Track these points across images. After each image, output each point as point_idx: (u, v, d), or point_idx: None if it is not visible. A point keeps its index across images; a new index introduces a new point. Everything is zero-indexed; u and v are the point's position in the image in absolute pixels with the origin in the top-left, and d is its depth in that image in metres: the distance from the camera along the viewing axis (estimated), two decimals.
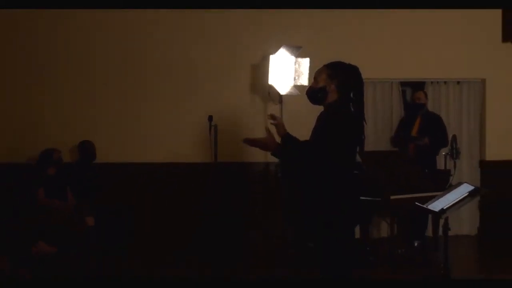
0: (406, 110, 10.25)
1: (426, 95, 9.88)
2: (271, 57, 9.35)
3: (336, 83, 4.86)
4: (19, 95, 9.92)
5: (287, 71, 9.43)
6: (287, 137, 4.77)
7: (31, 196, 8.76)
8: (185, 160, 9.87)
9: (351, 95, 4.90)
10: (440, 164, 9.01)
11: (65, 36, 9.95)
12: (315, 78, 5.01)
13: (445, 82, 10.68)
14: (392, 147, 9.79)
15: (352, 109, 4.89)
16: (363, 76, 4.94)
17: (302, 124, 5.91)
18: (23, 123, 9.82)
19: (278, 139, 4.74)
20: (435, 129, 9.48)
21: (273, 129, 4.79)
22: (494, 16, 10.43)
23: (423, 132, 9.37)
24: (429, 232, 9.34)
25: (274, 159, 9.57)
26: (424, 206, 5.49)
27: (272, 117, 4.88)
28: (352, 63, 4.96)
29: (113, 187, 9.52)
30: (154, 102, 10.03)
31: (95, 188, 9.26)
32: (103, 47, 10.00)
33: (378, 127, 9.97)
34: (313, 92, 4.97)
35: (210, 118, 5.06)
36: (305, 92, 5.16)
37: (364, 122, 4.99)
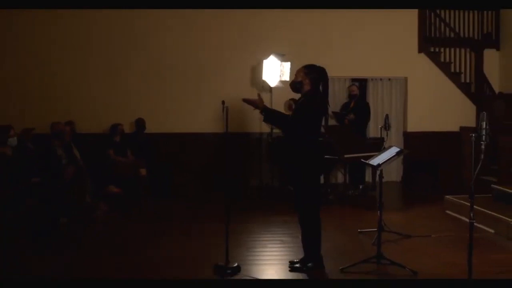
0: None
1: (358, 87, 9.74)
2: (264, 61, 9.37)
3: (309, 78, 4.97)
4: (98, 87, 9.88)
5: (275, 71, 9.48)
6: (268, 108, 5.06)
7: (105, 154, 8.77)
8: (205, 131, 9.93)
9: (320, 87, 4.97)
10: (377, 133, 8.98)
11: (123, 39, 9.93)
12: (295, 75, 5.10)
13: (381, 79, 10.65)
14: (335, 121, 9.75)
15: (320, 96, 4.97)
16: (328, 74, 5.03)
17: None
18: (100, 106, 9.79)
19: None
20: (362, 109, 9.45)
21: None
22: (412, 34, 10.49)
23: (355, 112, 9.31)
24: (369, 178, 9.36)
25: (267, 130, 9.68)
26: (366, 162, 5.49)
27: (259, 96, 5.05)
28: (320, 65, 5.04)
29: (158, 149, 9.55)
30: (185, 91, 10.03)
31: (146, 150, 9.26)
32: (149, 51, 9.97)
33: (337, 109, 9.89)
34: (294, 84, 5.07)
35: (223, 102, 5.01)
36: (288, 85, 5.29)
37: (328, 105, 5.05)
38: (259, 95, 5.08)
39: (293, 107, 5.64)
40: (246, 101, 5.04)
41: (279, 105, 8.85)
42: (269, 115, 5.04)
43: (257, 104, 4.95)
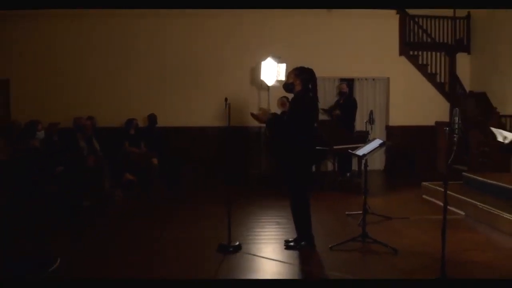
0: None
1: (347, 86, 9.71)
2: (262, 62, 9.33)
3: (300, 79, 4.95)
4: (116, 86, 9.89)
5: (272, 71, 9.41)
6: (271, 118, 5.05)
7: (121, 146, 8.77)
8: (210, 124, 9.92)
9: (310, 86, 4.95)
10: (363, 127, 8.98)
11: (139, 45, 9.93)
12: (287, 77, 5.12)
13: (366, 79, 10.64)
14: (327, 116, 9.73)
15: (311, 95, 4.95)
16: (318, 74, 5.02)
17: None
18: (117, 103, 9.79)
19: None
20: (350, 105, 9.41)
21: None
22: (394, 39, 10.50)
23: (344, 107, 9.27)
24: (356, 167, 9.36)
25: (263, 125, 9.66)
26: (353, 152, 5.49)
27: (262, 109, 5.19)
28: (310, 66, 5.03)
29: (168, 141, 9.51)
30: (192, 90, 10.04)
31: (157, 142, 9.24)
32: (161, 55, 9.98)
33: (330, 106, 9.88)
34: (286, 86, 5.06)
35: (226, 99, 5.01)
36: (282, 86, 5.25)
37: (318, 102, 5.04)
38: (263, 109, 5.22)
39: (287, 105, 5.68)
40: (252, 116, 5.14)
41: (275, 102, 9.01)
42: (271, 125, 5.33)
43: (261, 119, 5.06)
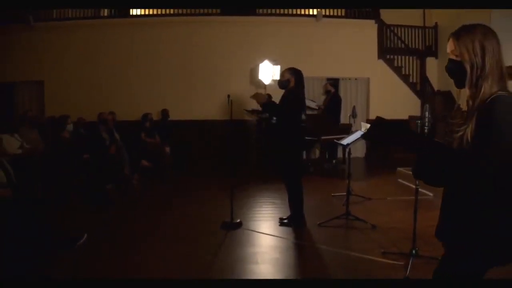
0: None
1: (332, 85, 9.51)
2: (260, 64, 9.35)
3: (294, 78, 4.90)
4: (133, 85, 9.85)
5: (268, 72, 9.39)
6: (268, 101, 5.15)
7: (138, 137, 8.74)
8: (215, 118, 9.87)
9: (301, 84, 4.91)
10: (347, 120, 8.93)
11: (153, 51, 9.87)
12: (282, 75, 5.06)
13: (349, 79, 10.61)
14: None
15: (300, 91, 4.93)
16: (307, 75, 5.07)
17: (276, 98, 5.83)
18: (134, 100, 9.76)
19: None
20: (336, 101, 9.28)
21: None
22: (373, 45, 10.43)
23: (329, 104, 9.12)
24: (341, 155, 9.33)
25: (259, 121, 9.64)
26: (338, 142, 5.44)
27: (257, 93, 5.15)
28: (300, 68, 5.00)
29: (178, 133, 9.46)
30: (199, 88, 10.01)
31: (169, 133, 9.21)
32: (171, 58, 9.93)
33: (320, 103, 9.79)
34: (282, 83, 4.98)
35: (228, 96, 4.96)
36: (277, 83, 5.19)
37: (305, 98, 5.04)
38: (258, 93, 5.19)
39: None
40: (252, 96, 5.06)
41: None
42: (266, 107, 5.25)
43: (260, 98, 5.02)
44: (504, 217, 1.66)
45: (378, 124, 1.74)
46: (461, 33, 1.74)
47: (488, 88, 1.67)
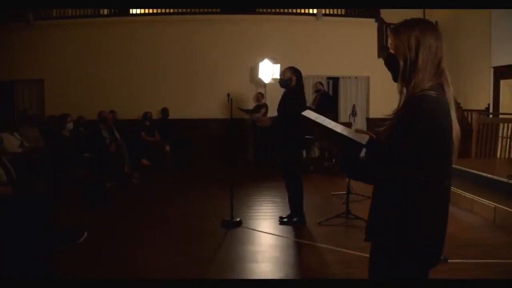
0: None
1: (321, 84, 9.48)
2: (260, 63, 9.37)
3: (295, 77, 4.90)
4: (133, 84, 9.81)
5: (268, 71, 9.41)
6: (272, 122, 5.04)
7: (138, 135, 8.74)
8: (215, 117, 9.85)
9: (301, 83, 4.92)
10: (347, 119, 8.93)
11: (154, 51, 9.86)
12: (283, 73, 5.04)
13: (349, 77, 10.56)
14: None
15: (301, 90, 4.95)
16: (307, 73, 5.06)
17: (276, 97, 5.81)
18: (134, 99, 9.71)
19: None
20: (326, 100, 9.25)
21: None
22: (373, 43, 10.38)
23: (319, 103, 9.04)
24: None
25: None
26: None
27: (260, 119, 5.35)
28: (300, 67, 5.01)
29: (178, 131, 9.45)
30: (198, 87, 9.96)
31: (169, 132, 9.21)
32: (171, 57, 9.91)
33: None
34: (284, 81, 4.95)
35: (228, 94, 4.96)
36: (278, 82, 5.17)
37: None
38: (260, 118, 5.40)
39: (261, 99, 5.46)
40: (258, 123, 5.30)
41: (270, 97, 8.99)
42: (275, 126, 5.11)
43: (265, 123, 5.12)
44: (429, 216, 1.61)
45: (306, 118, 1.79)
46: (400, 28, 1.72)
47: (418, 83, 1.65)
